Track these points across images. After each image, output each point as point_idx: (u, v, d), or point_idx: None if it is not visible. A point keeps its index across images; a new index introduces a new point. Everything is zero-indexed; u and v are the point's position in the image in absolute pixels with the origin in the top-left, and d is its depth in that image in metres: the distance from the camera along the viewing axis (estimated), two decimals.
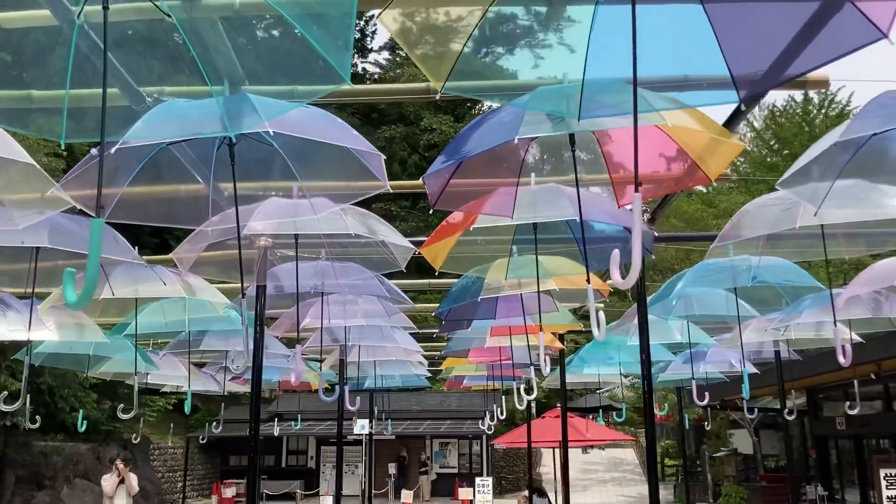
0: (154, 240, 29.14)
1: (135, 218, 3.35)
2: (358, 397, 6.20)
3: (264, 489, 29.80)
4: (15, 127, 2.65)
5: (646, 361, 4.46)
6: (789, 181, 3.27)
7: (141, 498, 29.07)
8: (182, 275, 4.86)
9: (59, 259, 4.32)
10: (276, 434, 16.04)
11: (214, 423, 8.72)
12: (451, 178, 3.11)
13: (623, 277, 2.06)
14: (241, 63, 2.74)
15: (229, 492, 31.66)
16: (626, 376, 10.14)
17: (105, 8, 2.18)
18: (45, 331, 5.82)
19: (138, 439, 9.06)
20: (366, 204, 3.63)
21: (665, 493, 33.43)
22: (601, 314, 2.70)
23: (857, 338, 6.39)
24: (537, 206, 3.64)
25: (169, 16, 2.42)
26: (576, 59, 2.41)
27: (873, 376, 15.60)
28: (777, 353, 8.01)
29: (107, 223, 3.80)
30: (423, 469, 29.35)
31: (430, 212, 3.55)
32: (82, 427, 7.92)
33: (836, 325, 4.03)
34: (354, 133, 2.82)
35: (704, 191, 40.46)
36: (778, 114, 37.70)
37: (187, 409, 6.60)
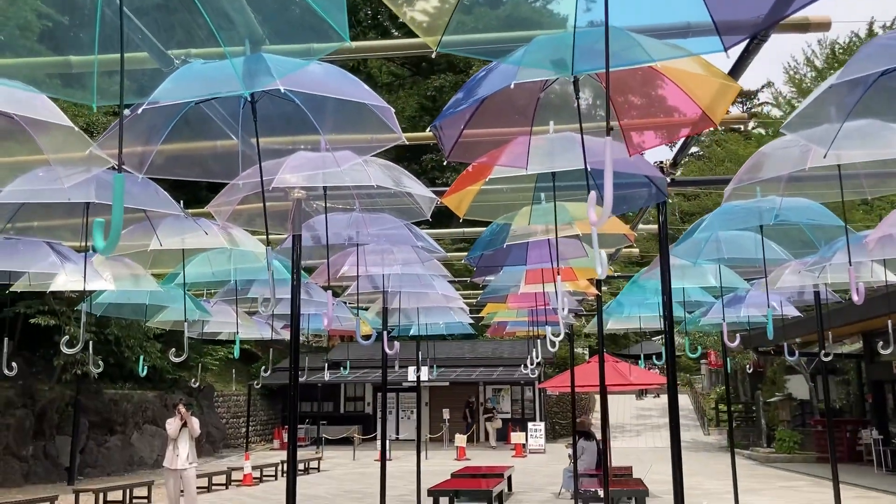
0: (211, 195, 29.92)
1: (170, 173, 3.60)
2: (396, 343, 6.43)
3: (324, 434, 30.79)
4: (52, 93, 2.88)
5: (667, 304, 4.58)
6: (795, 124, 3.32)
7: (207, 443, 30.43)
8: (225, 227, 5.12)
9: (110, 213, 4.62)
10: (326, 379, 16.54)
11: (263, 369, 9.10)
12: (465, 128, 3.26)
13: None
14: (259, 24, 2.91)
15: None
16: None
17: None
18: (102, 281, 6.18)
19: (198, 384, 9.49)
20: (417, 156, 3.80)
21: (719, 437, 33.49)
22: (603, 253, 2.82)
23: (892, 278, 6.38)
24: (552, 156, 3.76)
25: None
26: (569, 7, 2.52)
27: None
28: (817, 294, 7.99)
29: (150, 178, 4.06)
30: (489, 415, 29.84)
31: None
32: (143, 372, 8.39)
33: (849, 265, 4.07)
34: (366, 88, 2.98)
35: (764, 133, 39.45)
36: (840, 52, 36.24)
37: (236, 354, 6.98)
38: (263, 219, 3.45)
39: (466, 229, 6.64)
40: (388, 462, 26.11)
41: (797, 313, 9.31)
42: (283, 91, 2.72)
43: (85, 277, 5.02)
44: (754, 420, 30.56)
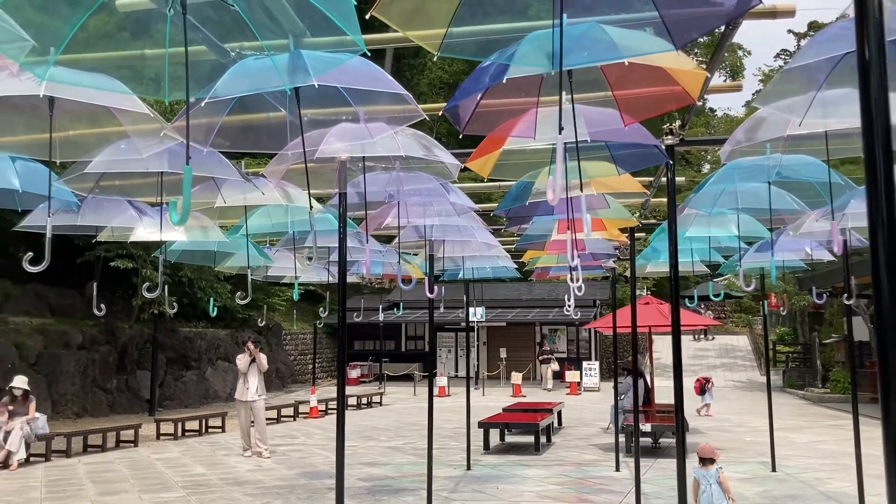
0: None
1: (229, 147, 4.25)
2: (441, 287, 7.08)
3: (386, 370, 32.06)
4: (133, 91, 3.54)
5: (673, 253, 5.09)
6: (767, 97, 3.76)
7: (276, 378, 32.04)
8: (280, 185, 5.79)
9: (179, 177, 5.33)
10: (381, 320, 17.42)
11: (322, 309, 9.88)
12: (476, 107, 3.79)
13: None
14: (301, 21, 3.49)
15: (354, 373, 34.22)
16: (706, 264, 10.59)
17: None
18: (175, 232, 6.96)
19: (264, 322, 10.28)
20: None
21: (775, 378, 33.60)
22: (559, 181, 3.28)
23: None
24: (557, 126, 4.27)
25: None
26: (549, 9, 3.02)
27: None
28: (844, 242, 8.30)
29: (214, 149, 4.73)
30: (546, 357, 30.26)
31: None
32: (213, 313, 9.25)
33: (832, 220, 4.49)
34: (389, 78, 3.54)
35: None
36: None
37: (295, 296, 7.76)
38: (306, 183, 4.07)
39: (490, 183, 7.14)
40: (446, 398, 27.10)
41: (831, 257, 9.61)
42: (316, 86, 3.30)
43: (161, 228, 5.78)
44: (811, 361, 30.59)
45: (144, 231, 6.65)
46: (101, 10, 3.29)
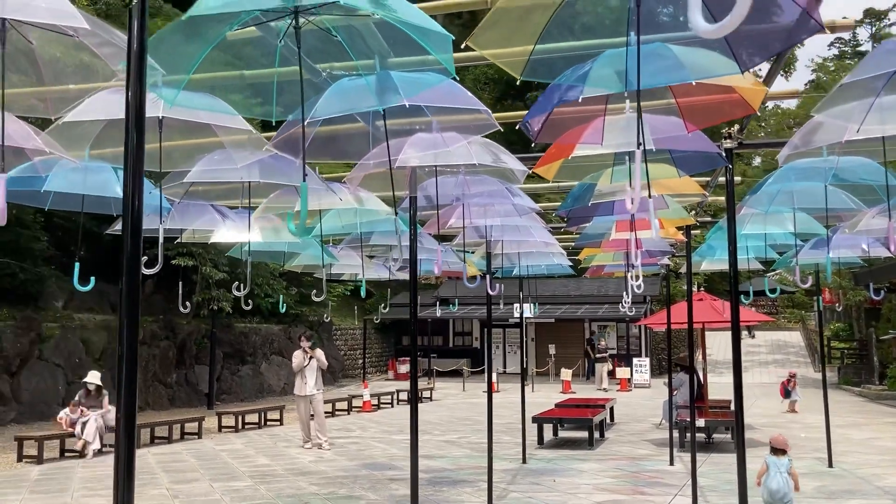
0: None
1: (315, 157, 4.60)
2: (498, 284, 7.37)
3: (434, 366, 32.46)
4: (241, 113, 3.90)
5: (732, 252, 5.31)
6: (825, 107, 3.96)
7: (328, 373, 32.64)
8: (355, 191, 6.14)
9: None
10: (437, 315, 17.75)
11: (382, 306, 10.24)
12: (547, 119, 4.06)
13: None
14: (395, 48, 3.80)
15: (403, 368, 34.70)
16: (761, 262, 10.71)
17: (296, 28, 3.31)
18: (253, 233, 7.37)
19: (329, 318, 10.58)
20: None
21: (830, 375, 33.16)
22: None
23: None
24: (626, 133, 4.52)
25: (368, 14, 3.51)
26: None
27: None
28: None
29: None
30: (601, 356, 29.57)
31: None
32: (283, 308, 9.66)
33: (889, 219, 4.66)
34: (470, 96, 3.83)
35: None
36: None
37: (363, 293, 8.11)
38: (391, 188, 4.40)
39: (551, 184, 7.38)
40: (495, 393, 27.41)
41: (888, 254, 9.64)
42: (407, 106, 3.62)
43: (249, 228, 6.22)
44: (867, 357, 30.12)
45: (227, 233, 7.05)
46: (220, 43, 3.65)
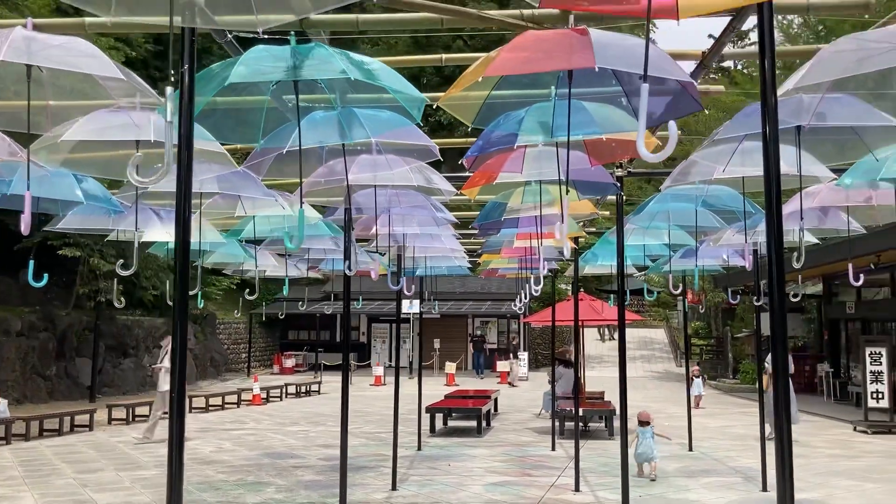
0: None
1: (275, 175, 5.24)
2: (402, 279, 8.20)
3: (321, 360, 32.84)
4: (228, 138, 4.50)
5: (620, 263, 6.30)
6: (699, 151, 4.98)
7: (211, 367, 32.48)
8: (294, 200, 6.80)
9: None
10: (328, 312, 18.33)
11: (301, 303, 10.79)
12: (479, 154, 4.87)
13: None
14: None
15: (289, 362, 34.90)
16: (637, 267, 11.99)
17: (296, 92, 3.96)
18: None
19: (202, 305, 10.75)
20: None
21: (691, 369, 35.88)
22: (565, 226, 4.40)
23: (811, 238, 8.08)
24: (540, 163, 5.41)
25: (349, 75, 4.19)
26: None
27: (872, 266, 17.22)
28: (755, 251, 9.72)
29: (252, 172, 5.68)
30: (513, 353, 30.38)
31: None
32: (201, 304, 10.05)
33: (745, 240, 5.77)
34: (422, 135, 4.59)
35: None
36: None
37: (285, 291, 8.72)
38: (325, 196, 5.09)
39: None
40: (382, 386, 28.05)
41: (743, 262, 11.08)
42: (374, 143, 4.34)
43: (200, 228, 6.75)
44: (723, 354, 32.85)
45: (156, 231, 7.49)
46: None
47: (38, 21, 3.85)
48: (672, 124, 2.16)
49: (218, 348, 34.11)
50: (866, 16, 4.44)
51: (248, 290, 9.43)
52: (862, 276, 6.97)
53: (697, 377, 21.58)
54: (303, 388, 25.91)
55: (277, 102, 4.28)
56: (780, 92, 3.69)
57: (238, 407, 21.66)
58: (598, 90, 4.35)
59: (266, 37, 3.38)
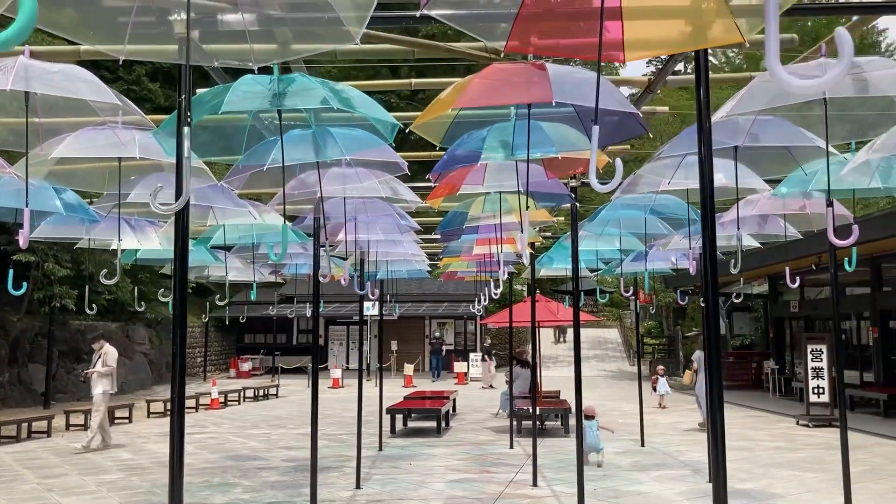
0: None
1: (251, 187, 5.52)
2: (368, 283, 8.53)
3: (279, 363, 32.87)
4: (208, 154, 4.80)
5: (575, 269, 6.71)
6: (647, 165, 5.42)
7: (166, 370, 32.21)
8: (265, 210, 7.09)
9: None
10: (290, 316, 18.49)
11: (271, 308, 11.04)
12: (444, 170, 5.23)
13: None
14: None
15: (246, 366, 34.82)
16: (591, 270, 12.49)
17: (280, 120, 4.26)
18: (151, 241, 8.05)
19: (143, 308, 10.83)
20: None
21: (644, 368, 36.74)
22: (525, 237, 4.78)
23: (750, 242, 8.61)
24: (500, 177, 5.79)
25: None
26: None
27: (814, 266, 18.02)
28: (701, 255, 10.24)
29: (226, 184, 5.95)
30: (488, 356, 30.67)
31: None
32: (91, 309, 10.00)
33: (689, 247, 6.23)
34: (392, 151, 4.92)
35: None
36: None
37: (253, 296, 8.96)
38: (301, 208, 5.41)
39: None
40: (340, 389, 28.18)
41: (688, 266, 11.65)
42: (348, 159, 4.67)
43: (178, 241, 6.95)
44: (674, 352, 33.74)
45: (129, 241, 7.71)
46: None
47: (35, 48, 4.09)
48: (618, 161, 2.53)
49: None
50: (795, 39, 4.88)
51: (217, 295, 9.60)
52: (798, 278, 7.50)
53: (662, 376, 22.09)
54: (261, 392, 25.96)
55: (257, 121, 4.58)
56: (715, 117, 4.13)
57: (196, 411, 21.67)
58: (555, 111, 4.74)
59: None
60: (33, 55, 3.95)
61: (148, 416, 19.95)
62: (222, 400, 23.24)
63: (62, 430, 16.91)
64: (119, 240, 6.15)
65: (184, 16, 3.23)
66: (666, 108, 5.48)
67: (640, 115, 4.17)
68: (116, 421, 18.60)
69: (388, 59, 4.97)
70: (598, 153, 4.92)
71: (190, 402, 21.96)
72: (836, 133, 4.77)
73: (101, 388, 14.25)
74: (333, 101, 3.75)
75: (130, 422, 18.76)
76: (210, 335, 36.51)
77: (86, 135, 4.65)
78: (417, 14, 2.64)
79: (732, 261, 5.13)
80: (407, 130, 4.19)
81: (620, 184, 6.56)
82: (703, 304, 10.17)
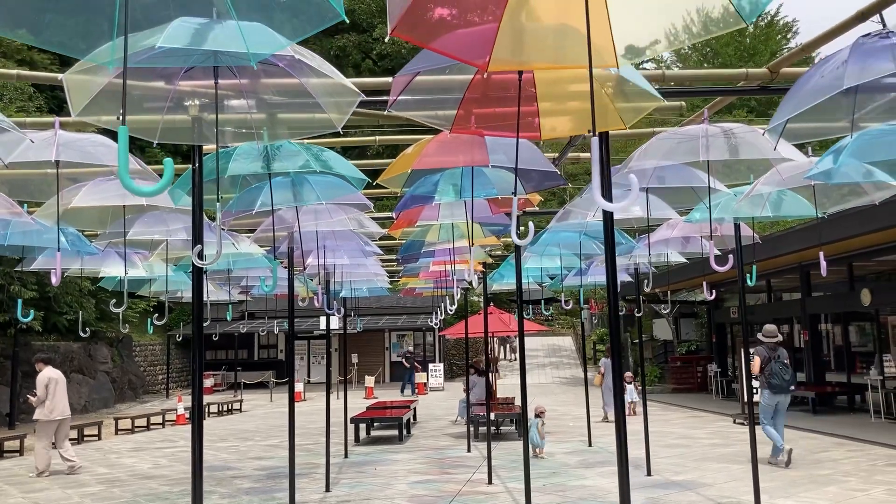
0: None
1: (234, 224, 6.41)
2: (335, 302, 9.50)
3: (241, 378, 33.39)
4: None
5: (518, 286, 7.69)
6: (574, 200, 6.44)
7: (129, 389, 32.53)
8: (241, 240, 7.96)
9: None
10: (262, 333, 19.19)
11: (242, 326, 11.83)
12: (404, 209, 6.21)
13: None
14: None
15: (208, 382, 35.17)
16: (538, 283, 13.56)
17: (269, 181, 5.17)
18: (136, 269, 8.85)
19: (126, 330, 11.28)
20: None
21: (594, 374, 37.99)
22: (470, 269, 5.77)
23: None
24: (452, 209, 6.76)
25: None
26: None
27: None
28: (636, 270, 11.35)
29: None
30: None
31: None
32: (150, 329, 10.97)
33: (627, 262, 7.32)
34: (364, 198, 5.86)
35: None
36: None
37: (228, 316, 9.79)
38: (282, 242, 6.32)
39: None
40: (303, 402, 28.78)
41: (627, 278, 12.76)
42: (324, 204, 5.59)
43: (175, 265, 7.77)
44: (624, 359, 35.04)
45: (116, 269, 8.50)
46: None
47: (64, 119, 4.93)
48: (633, 177, 3.48)
49: (135, 371, 34.13)
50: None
51: (156, 314, 10.05)
52: (714, 291, 8.60)
53: (629, 384, 22.84)
54: (225, 407, 26.51)
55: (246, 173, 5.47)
56: (622, 168, 5.15)
57: (164, 427, 22.19)
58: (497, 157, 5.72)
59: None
60: (62, 126, 4.80)
61: (116, 433, 20.43)
62: (188, 416, 23.75)
63: (32, 450, 17.32)
64: (126, 274, 6.95)
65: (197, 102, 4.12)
66: (539, 198, 6.65)
67: (558, 172, 5.19)
68: (86, 438, 19.10)
69: (357, 125, 5.76)
70: (533, 193, 5.93)
71: (156, 419, 22.49)
72: (726, 176, 5.85)
73: (36, 414, 13.63)
74: (315, 164, 4.67)
75: (100, 439, 19.24)
76: (171, 352, 36.85)
77: (99, 186, 5.49)
78: (384, 112, 3.58)
79: (645, 281, 6.17)
80: (374, 183, 5.13)
81: (556, 212, 7.59)
82: (638, 315, 11.29)
